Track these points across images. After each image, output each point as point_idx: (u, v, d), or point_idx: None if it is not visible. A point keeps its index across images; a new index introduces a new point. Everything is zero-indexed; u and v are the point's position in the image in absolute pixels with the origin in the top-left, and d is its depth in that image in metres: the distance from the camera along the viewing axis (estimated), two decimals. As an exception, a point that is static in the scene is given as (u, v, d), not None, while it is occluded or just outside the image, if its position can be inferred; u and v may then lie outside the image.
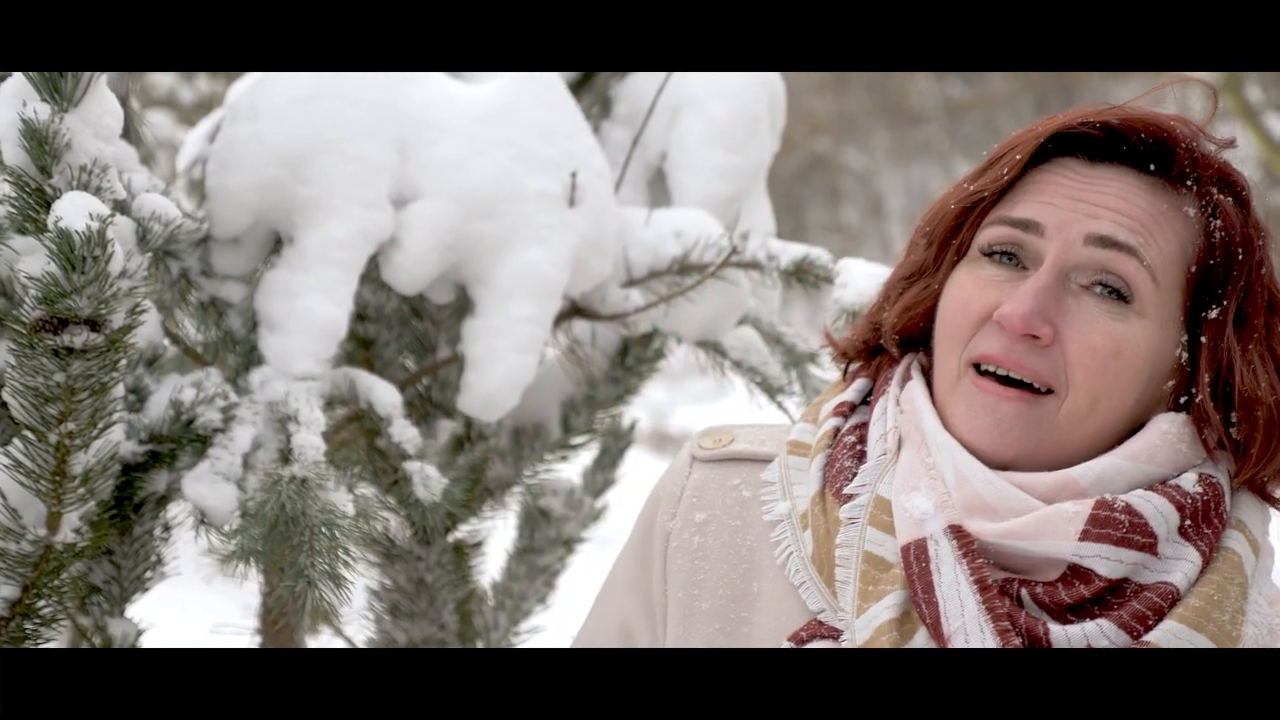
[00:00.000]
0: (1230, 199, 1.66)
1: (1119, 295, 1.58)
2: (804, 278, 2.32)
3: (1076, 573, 1.53)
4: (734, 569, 1.68)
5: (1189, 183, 1.64)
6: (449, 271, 2.38)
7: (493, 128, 2.36)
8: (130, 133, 2.37)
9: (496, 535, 2.89)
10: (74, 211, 1.68)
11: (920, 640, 1.53)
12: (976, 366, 1.59)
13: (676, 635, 1.68)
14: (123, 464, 2.10)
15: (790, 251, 2.34)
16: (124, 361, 1.87)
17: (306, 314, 2.26)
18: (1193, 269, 1.62)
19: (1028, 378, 1.57)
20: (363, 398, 2.36)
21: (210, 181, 2.34)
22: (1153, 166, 1.64)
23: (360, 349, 2.63)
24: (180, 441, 2.17)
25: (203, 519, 2.12)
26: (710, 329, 2.47)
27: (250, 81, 2.67)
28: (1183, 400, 1.62)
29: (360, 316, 2.60)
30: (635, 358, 2.81)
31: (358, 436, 2.45)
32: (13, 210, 1.76)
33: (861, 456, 1.65)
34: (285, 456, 2.14)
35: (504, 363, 2.35)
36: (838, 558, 1.59)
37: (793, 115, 3.00)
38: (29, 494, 1.87)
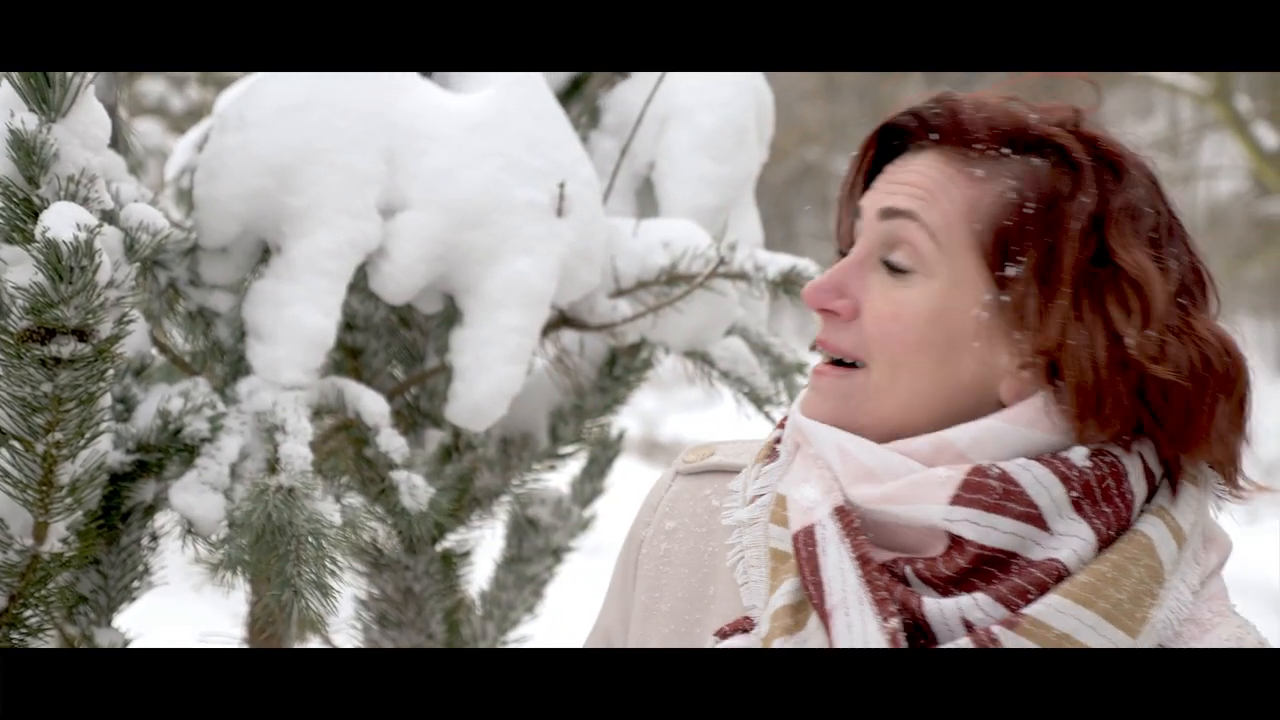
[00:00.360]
0: (1038, 160, 1.64)
1: (901, 264, 1.61)
2: (791, 288, 2.32)
3: (955, 544, 1.54)
4: (694, 573, 1.72)
5: (977, 147, 1.64)
6: (437, 281, 2.38)
7: (481, 138, 2.36)
8: (118, 142, 2.37)
9: (484, 545, 2.89)
10: (61, 222, 1.68)
11: (813, 623, 1.54)
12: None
13: (636, 636, 1.73)
14: (110, 474, 2.10)
15: (778, 262, 2.35)
16: (111, 371, 1.87)
17: (294, 324, 2.26)
18: (980, 226, 1.61)
19: (837, 353, 1.62)
20: (350, 407, 2.36)
21: (198, 191, 2.34)
22: (936, 137, 1.66)
23: (348, 358, 2.64)
24: (168, 451, 2.17)
25: (190, 529, 2.12)
26: (698, 339, 2.48)
27: (239, 91, 2.67)
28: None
29: (348, 326, 2.60)
30: (623, 367, 2.82)
31: (345, 446, 2.45)
32: (0, 220, 1.76)
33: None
34: (272, 466, 2.14)
35: (492, 372, 2.35)
36: (748, 558, 1.64)
37: (783, 124, 3.00)
38: (16, 504, 1.87)
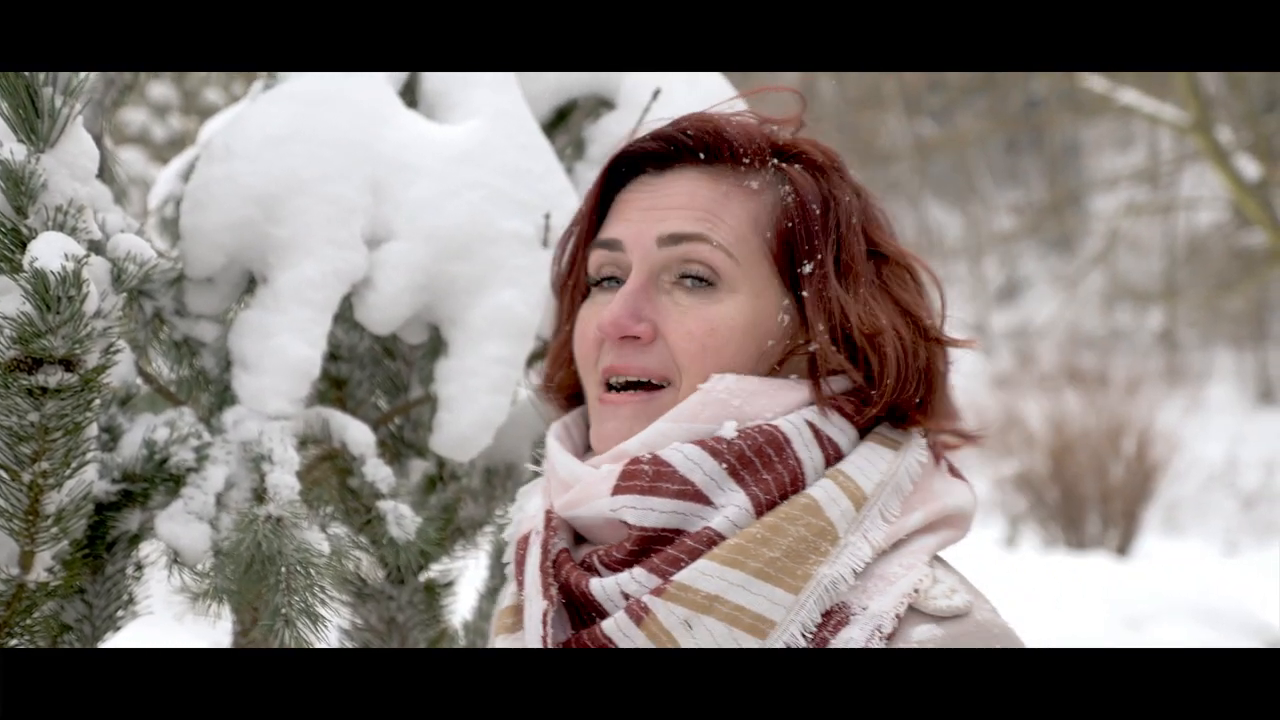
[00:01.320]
0: (798, 166, 1.76)
1: (703, 280, 1.69)
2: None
3: (628, 530, 1.63)
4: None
5: (745, 161, 1.75)
6: (422, 311, 2.39)
7: (466, 169, 2.36)
8: (104, 172, 2.37)
9: (468, 575, 2.89)
10: (49, 252, 1.68)
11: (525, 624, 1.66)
12: (607, 384, 1.72)
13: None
14: (96, 503, 2.10)
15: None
16: (98, 401, 1.87)
17: (280, 354, 2.26)
18: (769, 234, 1.73)
19: (641, 375, 1.70)
20: (336, 437, 2.36)
21: (184, 221, 2.34)
22: (702, 155, 1.75)
23: (333, 388, 2.63)
24: (153, 481, 2.17)
25: (176, 558, 2.12)
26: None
27: (224, 121, 2.67)
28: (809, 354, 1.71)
29: (333, 356, 2.60)
30: (608, 397, 2.82)
31: (330, 476, 2.44)
32: (-12, 250, 1.76)
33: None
34: (260, 496, 2.14)
35: (477, 403, 2.35)
36: (507, 573, 1.79)
37: (764, 155, 3.01)
38: (2, 533, 1.87)
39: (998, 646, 1.61)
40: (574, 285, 1.83)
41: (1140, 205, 21.77)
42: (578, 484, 1.67)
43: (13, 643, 1.97)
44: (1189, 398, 19.14)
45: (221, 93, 9.72)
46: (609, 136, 2.73)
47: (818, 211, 1.74)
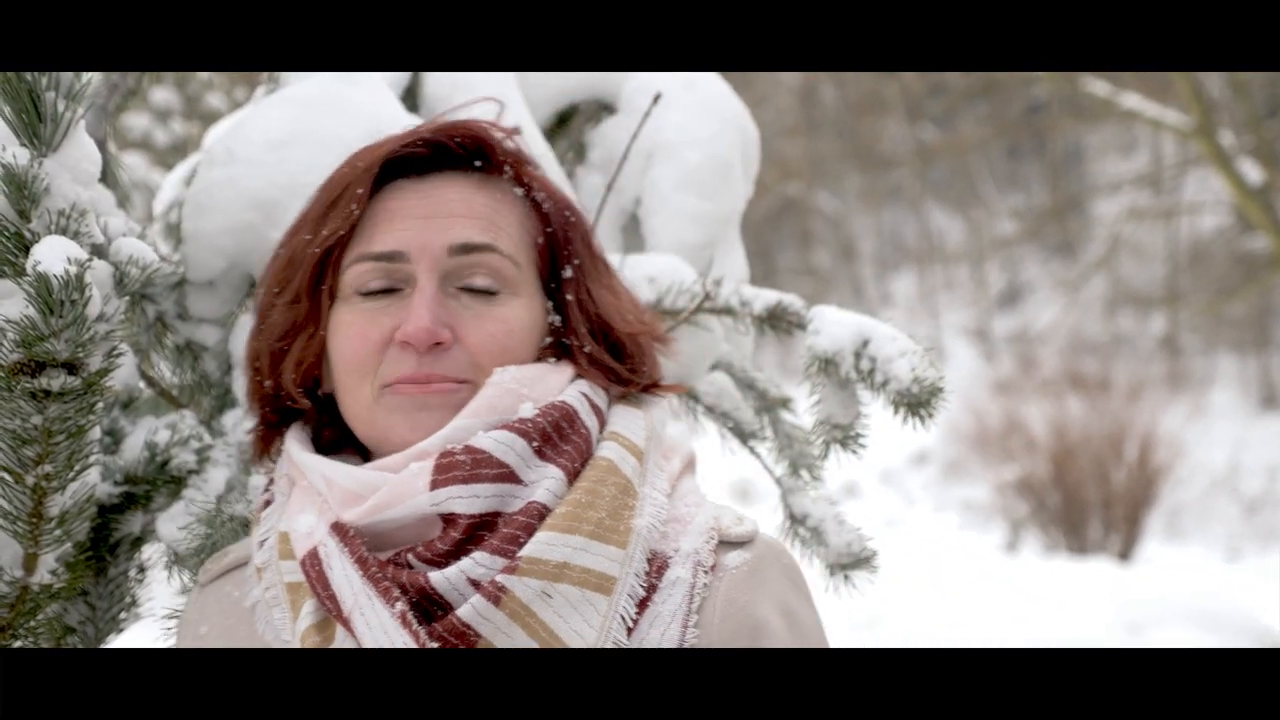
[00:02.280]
0: (538, 174, 1.89)
1: (488, 290, 1.77)
2: (777, 324, 2.33)
3: (448, 522, 1.65)
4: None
5: (507, 168, 1.86)
6: (423, 315, 2.39)
7: (468, 173, 2.37)
8: (107, 176, 2.38)
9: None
10: (52, 256, 1.69)
11: (340, 635, 1.64)
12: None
13: None
14: (98, 505, 2.10)
15: (764, 298, 2.35)
16: (100, 404, 1.87)
17: (281, 357, 2.26)
18: (539, 240, 1.85)
19: (446, 380, 1.73)
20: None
21: (186, 225, 2.34)
22: (478, 164, 1.85)
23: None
24: (155, 483, 2.18)
25: (177, 560, 2.13)
26: (683, 374, 2.49)
27: (227, 126, 2.68)
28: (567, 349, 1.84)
29: (334, 359, 2.61)
30: (609, 401, 2.82)
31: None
32: (-9, 254, 1.77)
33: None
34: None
35: (476, 406, 2.36)
36: (268, 599, 1.76)
37: (764, 160, 3.02)
38: (5, 535, 1.87)
39: (784, 558, 1.76)
40: (329, 288, 1.82)
41: (1142, 210, 21.76)
42: (377, 490, 1.68)
43: (16, 645, 1.97)
44: (1191, 403, 19.14)
45: (224, 98, 9.74)
46: (609, 140, 2.74)
47: (571, 218, 1.88)
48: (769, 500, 2.53)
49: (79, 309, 1.71)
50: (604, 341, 1.85)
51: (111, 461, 2.17)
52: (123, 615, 2.26)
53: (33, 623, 1.96)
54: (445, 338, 1.73)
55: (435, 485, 1.65)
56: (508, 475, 1.66)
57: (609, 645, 1.60)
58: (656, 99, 2.67)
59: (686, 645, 1.63)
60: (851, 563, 2.32)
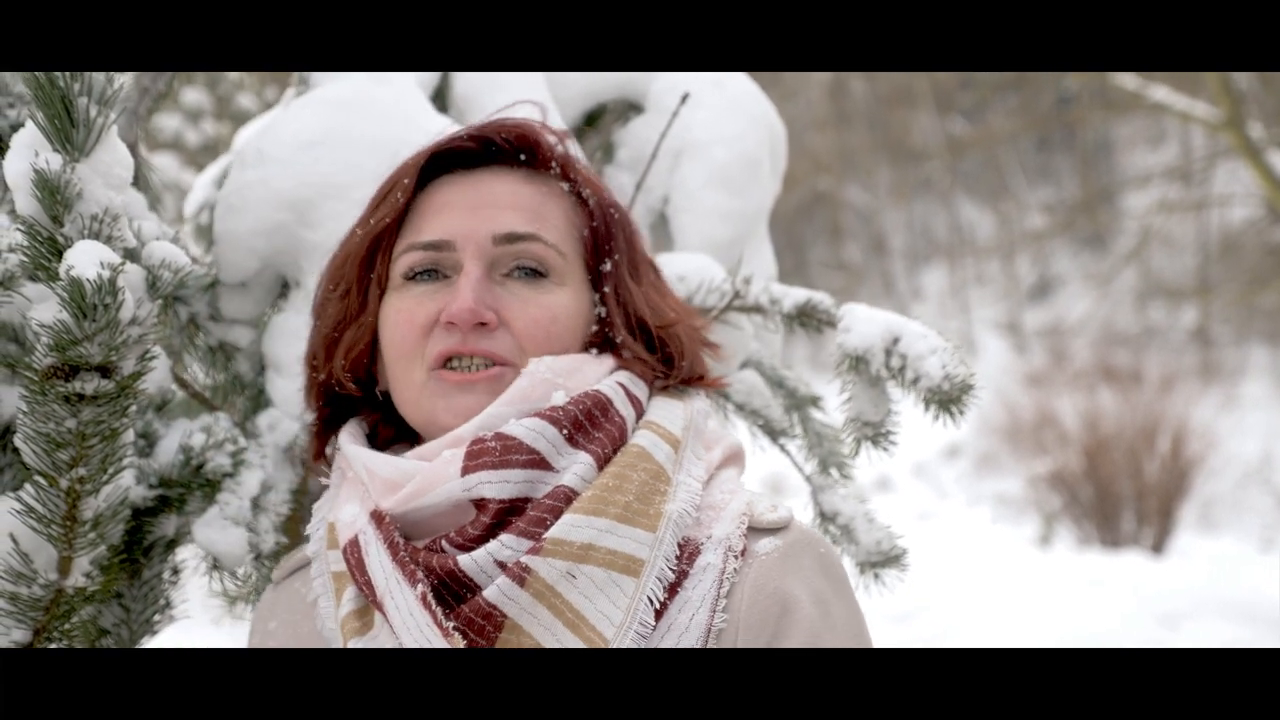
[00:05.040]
0: (585, 171, 1.95)
1: (537, 273, 1.83)
2: (807, 322, 2.33)
3: (479, 508, 1.68)
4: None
5: (554, 166, 1.92)
6: (454, 315, 2.40)
7: (497, 173, 2.37)
8: (139, 179, 2.39)
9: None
10: (85, 260, 1.70)
11: (379, 620, 1.67)
12: (446, 364, 1.80)
13: None
14: (132, 508, 2.11)
15: (793, 295, 2.35)
16: (134, 407, 1.88)
17: (313, 357, 2.27)
18: (584, 233, 1.90)
19: (487, 358, 1.78)
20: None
21: (218, 226, 2.35)
22: (523, 158, 1.91)
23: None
24: (189, 486, 2.19)
25: (215, 563, 2.14)
26: (714, 372, 2.49)
27: (258, 127, 2.69)
28: (614, 343, 1.89)
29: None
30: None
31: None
32: (25, 259, 1.77)
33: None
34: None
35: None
36: (316, 588, 1.80)
37: (794, 153, 3.02)
38: (40, 539, 1.88)
39: (820, 547, 1.75)
40: (378, 278, 1.90)
41: (1173, 202, 21.67)
42: (412, 478, 1.72)
43: (51, 647, 1.98)
44: (1224, 394, 19.06)
45: (254, 98, 9.76)
46: (638, 140, 2.74)
47: (615, 215, 1.94)
48: (800, 497, 2.53)
49: (112, 313, 1.71)
50: (641, 334, 1.89)
51: (146, 464, 2.18)
52: (157, 617, 2.27)
53: (67, 625, 1.96)
54: (489, 319, 1.78)
55: (466, 471, 1.68)
56: (538, 461, 1.69)
57: (636, 627, 1.61)
58: (684, 98, 2.67)
59: (714, 630, 1.64)
60: (882, 560, 2.32)
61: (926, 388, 2.04)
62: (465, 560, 1.63)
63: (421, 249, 1.85)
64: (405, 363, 1.82)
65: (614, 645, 1.59)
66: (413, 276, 1.86)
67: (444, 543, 1.68)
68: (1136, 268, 25.14)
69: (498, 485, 1.67)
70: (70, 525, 1.88)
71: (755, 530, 1.73)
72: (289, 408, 2.28)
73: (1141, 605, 10.75)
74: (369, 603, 1.69)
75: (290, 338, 2.29)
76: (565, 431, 1.72)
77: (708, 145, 2.72)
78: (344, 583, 1.74)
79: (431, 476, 1.70)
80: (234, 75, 9.72)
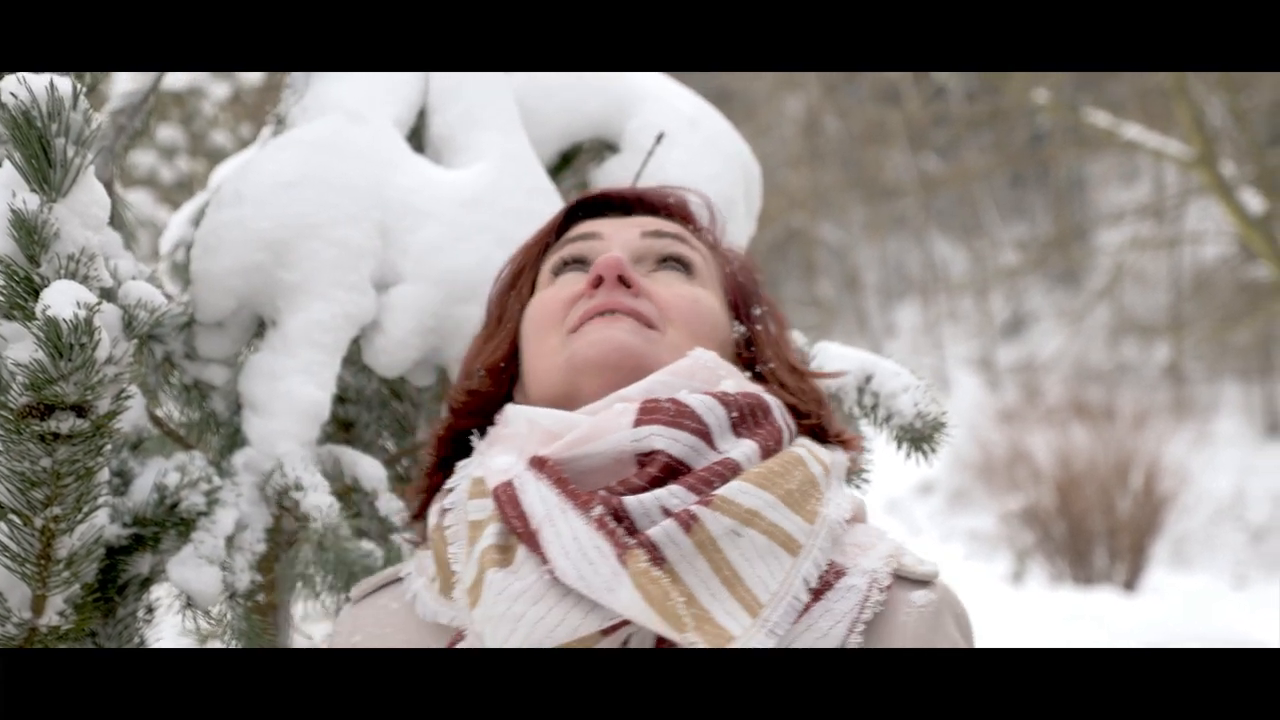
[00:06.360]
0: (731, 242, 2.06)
1: (682, 264, 1.88)
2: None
3: (643, 463, 1.67)
4: None
5: (700, 227, 2.02)
6: (430, 354, 2.40)
7: (474, 213, 2.38)
8: (114, 217, 2.39)
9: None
10: (62, 300, 1.70)
11: (521, 554, 1.62)
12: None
13: None
14: (107, 547, 2.11)
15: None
16: (109, 446, 1.88)
17: (289, 396, 2.27)
18: (727, 270, 1.97)
19: (634, 315, 1.79)
20: (348, 473, 2.37)
21: (194, 266, 2.36)
22: (666, 216, 2.00)
23: (341, 430, 2.65)
24: (164, 524, 2.18)
25: (189, 602, 2.14)
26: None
27: (234, 166, 2.69)
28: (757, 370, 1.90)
29: (341, 399, 2.61)
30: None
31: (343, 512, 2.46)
32: (1, 298, 1.77)
33: None
34: (301, 520, 2.17)
35: (483, 445, 2.36)
36: (448, 536, 1.74)
37: (768, 190, 3.04)
38: (14, 577, 1.88)
39: (958, 606, 1.74)
40: (519, 292, 1.95)
41: (1146, 239, 21.76)
42: (578, 427, 1.70)
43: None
44: (1196, 431, 19.11)
45: (229, 135, 9.76)
46: (613, 179, 2.75)
47: (759, 277, 2.00)
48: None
49: (88, 352, 1.72)
50: (789, 376, 1.90)
51: (120, 503, 2.18)
52: (132, 656, 2.27)
53: (42, 664, 1.96)
54: (634, 281, 1.81)
55: (639, 423, 1.67)
56: (705, 434, 1.69)
57: (789, 599, 1.59)
58: (660, 138, 2.69)
59: (849, 646, 1.62)
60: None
61: (899, 425, 2.05)
62: (631, 501, 1.61)
63: (571, 241, 1.92)
64: (544, 333, 1.84)
65: (767, 612, 1.58)
66: (559, 272, 1.90)
67: (602, 492, 1.64)
68: (1109, 304, 25.22)
69: (667, 440, 1.67)
70: (44, 564, 1.88)
71: (902, 578, 1.71)
72: (264, 446, 2.28)
73: (1114, 642, 10.78)
74: (514, 537, 1.63)
75: (266, 377, 2.29)
76: (735, 415, 1.72)
77: (683, 184, 2.73)
78: (480, 527, 1.68)
79: (601, 425, 1.68)
80: (209, 111, 9.73)
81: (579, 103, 2.82)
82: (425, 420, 2.67)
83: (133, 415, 2.23)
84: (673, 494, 1.61)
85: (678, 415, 1.68)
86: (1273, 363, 25.85)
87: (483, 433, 1.85)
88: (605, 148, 2.85)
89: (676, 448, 1.66)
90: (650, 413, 1.68)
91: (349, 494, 2.37)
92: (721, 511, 1.59)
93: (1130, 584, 15.44)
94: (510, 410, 1.80)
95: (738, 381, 1.79)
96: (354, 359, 2.45)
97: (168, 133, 9.69)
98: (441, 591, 1.74)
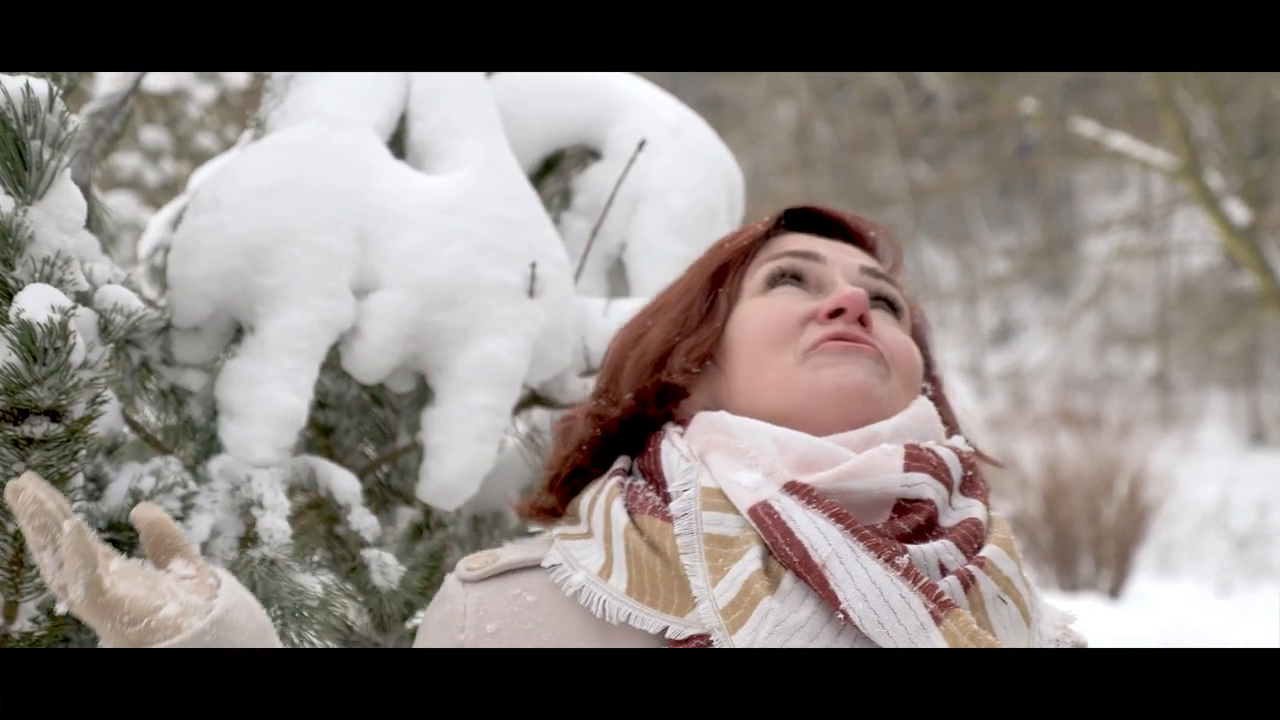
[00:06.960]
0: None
1: (893, 307, 1.88)
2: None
3: (901, 510, 1.66)
4: None
5: (893, 270, 1.99)
6: (409, 361, 2.39)
7: (454, 219, 2.37)
8: (92, 221, 2.38)
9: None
10: (36, 304, 1.69)
11: (788, 582, 1.59)
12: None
13: None
14: (81, 552, 2.10)
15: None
16: (84, 451, 1.87)
17: (267, 402, 2.26)
18: (915, 321, 1.95)
19: (874, 348, 1.78)
20: (322, 485, 2.36)
21: (172, 271, 2.34)
22: (866, 249, 1.99)
23: (320, 436, 2.64)
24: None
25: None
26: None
27: (213, 171, 2.68)
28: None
29: (320, 404, 2.60)
30: (594, 445, 2.82)
31: (317, 523, 2.45)
32: (-26, 302, 1.77)
33: (659, 489, 1.77)
34: (250, 540, 2.14)
35: (463, 451, 2.35)
36: (681, 546, 1.67)
37: (760, 197, 3.04)
38: (-14, 583, 1.87)
39: None
40: (729, 292, 1.92)
41: (1132, 249, 21.81)
42: (837, 460, 1.68)
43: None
44: (1182, 439, 19.14)
45: (214, 138, 9.75)
46: (595, 186, 2.75)
47: (930, 331, 2.00)
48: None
49: (62, 357, 1.71)
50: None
51: (95, 509, 2.16)
52: (105, 662, 2.26)
53: (14, 671, 1.95)
54: (871, 322, 1.80)
55: (909, 469, 1.67)
56: (950, 488, 1.70)
57: None
58: (642, 145, 2.68)
59: None
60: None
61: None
62: (915, 551, 1.60)
63: (789, 255, 1.89)
64: (773, 349, 1.81)
65: None
66: (774, 284, 1.88)
67: (880, 536, 1.63)
68: (1096, 313, 25.28)
69: (934, 491, 1.68)
70: (17, 570, 1.87)
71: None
72: (241, 453, 2.26)
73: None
74: (781, 565, 1.61)
75: (243, 383, 2.27)
76: (966, 474, 1.74)
77: (665, 193, 2.73)
78: (727, 548, 1.64)
79: (872, 463, 1.67)
80: (193, 114, 9.71)
81: (561, 109, 2.81)
82: (405, 426, 2.66)
83: (108, 420, 2.22)
84: (946, 549, 1.62)
85: (938, 468, 1.69)
86: (1257, 372, 25.93)
87: (651, 427, 1.86)
88: (588, 154, 2.85)
89: (939, 500, 1.68)
90: (916, 459, 1.68)
91: (323, 505, 2.36)
92: (991, 576, 1.61)
93: (1115, 591, 15.46)
94: (737, 423, 1.76)
95: (952, 438, 1.80)
96: (333, 364, 2.44)
97: (152, 135, 9.67)
98: (631, 594, 1.69)
